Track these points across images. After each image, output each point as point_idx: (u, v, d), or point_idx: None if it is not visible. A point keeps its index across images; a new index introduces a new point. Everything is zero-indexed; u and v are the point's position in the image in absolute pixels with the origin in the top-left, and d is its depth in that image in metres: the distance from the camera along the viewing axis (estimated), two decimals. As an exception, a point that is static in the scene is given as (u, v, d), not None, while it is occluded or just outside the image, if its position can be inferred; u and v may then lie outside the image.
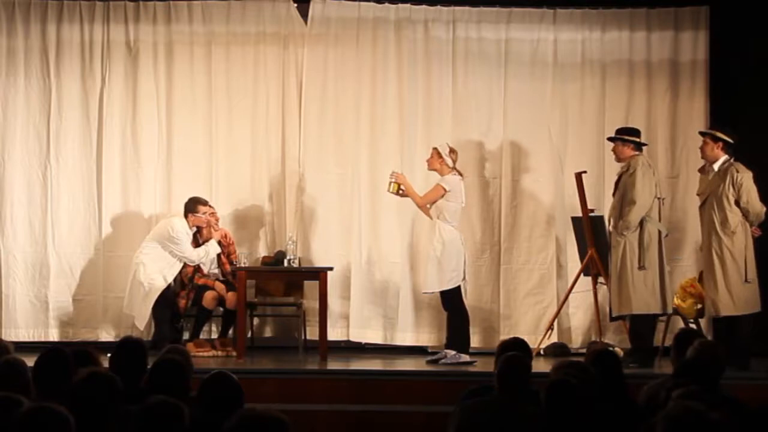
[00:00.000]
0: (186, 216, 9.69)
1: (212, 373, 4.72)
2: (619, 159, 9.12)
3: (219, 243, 9.77)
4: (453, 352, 9.13)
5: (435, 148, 9.35)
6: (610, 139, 9.29)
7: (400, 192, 9.36)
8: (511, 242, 10.22)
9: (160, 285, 9.55)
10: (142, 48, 10.18)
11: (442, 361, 9.14)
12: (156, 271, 9.59)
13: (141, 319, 9.59)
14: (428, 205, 9.32)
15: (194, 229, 9.75)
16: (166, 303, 9.58)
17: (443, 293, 9.23)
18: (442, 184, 9.22)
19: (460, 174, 9.33)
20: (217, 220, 9.79)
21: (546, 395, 4.66)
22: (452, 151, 9.31)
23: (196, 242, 9.75)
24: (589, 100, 10.32)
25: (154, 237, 9.69)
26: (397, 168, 9.92)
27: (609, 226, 9.18)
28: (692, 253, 9.95)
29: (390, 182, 9.36)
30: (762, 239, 9.03)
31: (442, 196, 9.18)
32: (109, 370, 4.74)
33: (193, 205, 9.69)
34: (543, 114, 10.29)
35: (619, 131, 9.25)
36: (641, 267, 8.88)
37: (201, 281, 9.68)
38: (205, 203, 9.73)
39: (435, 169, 9.36)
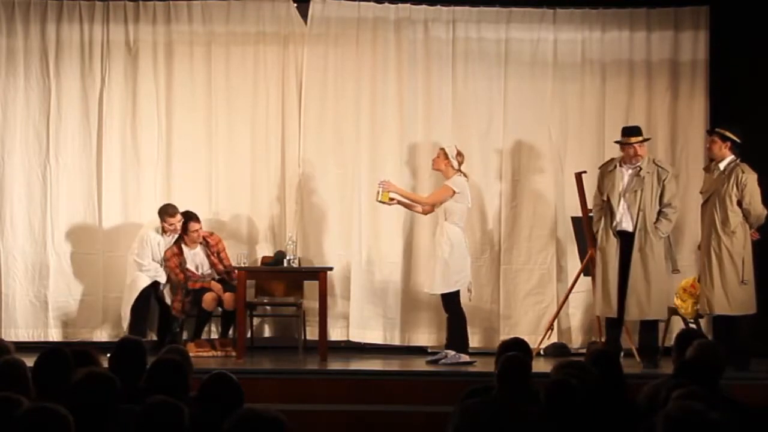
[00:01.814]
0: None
1: (212, 373, 4.72)
2: (636, 160, 9.01)
3: (206, 244, 9.74)
4: (453, 352, 9.13)
5: (442, 149, 9.36)
6: (631, 142, 9.01)
7: (390, 201, 9.36)
8: (511, 242, 10.22)
9: (141, 284, 9.60)
10: (142, 48, 10.18)
11: (442, 361, 9.14)
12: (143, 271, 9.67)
13: (125, 319, 9.65)
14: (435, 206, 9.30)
15: (173, 236, 9.71)
16: (144, 303, 9.62)
17: (445, 295, 9.22)
18: (451, 185, 9.21)
19: (465, 175, 9.34)
20: (198, 235, 9.68)
21: (546, 395, 4.65)
22: (459, 153, 9.32)
23: (179, 247, 9.72)
24: (589, 100, 10.32)
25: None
26: (396, 168, 9.98)
27: (627, 225, 8.94)
28: (692, 253, 9.94)
29: (378, 191, 9.35)
30: (760, 242, 9.01)
31: (451, 197, 9.18)
32: (108, 370, 4.74)
33: (162, 214, 9.66)
34: (543, 114, 10.29)
35: (633, 131, 9.09)
36: (675, 270, 8.96)
37: (197, 285, 9.66)
38: (173, 214, 9.63)
39: (439, 170, 9.37)
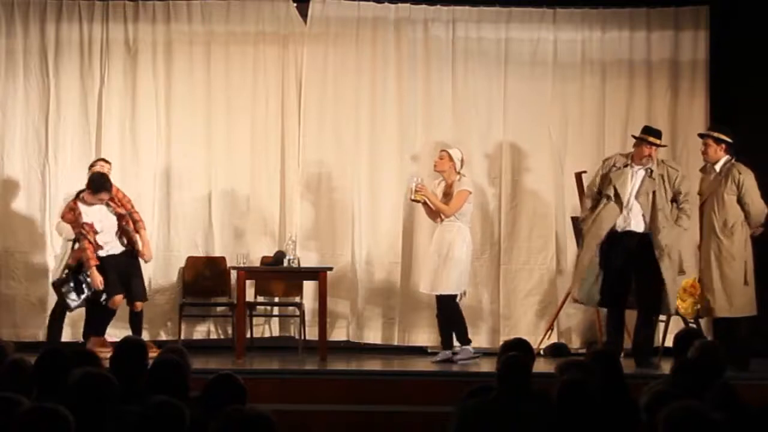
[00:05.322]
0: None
1: (218, 374, 4.73)
2: (646, 160, 8.89)
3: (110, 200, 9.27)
4: (467, 347, 9.16)
5: (445, 151, 9.32)
6: (650, 142, 8.83)
7: (421, 199, 9.32)
8: (511, 242, 10.21)
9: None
10: (141, 47, 10.17)
11: (458, 357, 9.14)
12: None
13: None
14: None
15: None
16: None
17: (450, 294, 9.20)
18: (465, 187, 9.23)
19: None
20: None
21: (559, 395, 4.65)
22: (463, 159, 9.32)
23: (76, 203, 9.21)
24: (589, 100, 10.32)
25: None
26: (396, 168, 9.99)
27: (638, 227, 8.79)
28: (692, 253, 9.93)
29: (412, 189, 9.29)
30: (759, 242, 8.98)
31: (467, 200, 9.20)
32: (109, 370, 4.73)
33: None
34: (543, 114, 10.29)
35: (656, 133, 8.93)
36: (681, 272, 8.99)
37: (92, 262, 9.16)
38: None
39: (442, 171, 9.34)
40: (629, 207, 8.84)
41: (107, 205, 9.23)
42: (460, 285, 9.22)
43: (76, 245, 9.21)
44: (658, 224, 8.77)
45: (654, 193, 8.79)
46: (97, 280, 9.08)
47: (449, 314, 9.24)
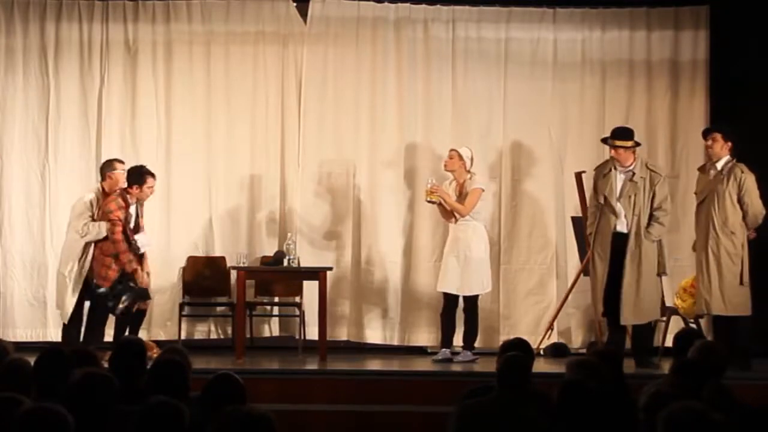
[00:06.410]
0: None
1: (217, 374, 4.73)
2: (624, 163, 8.96)
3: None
4: (467, 351, 9.23)
5: (455, 150, 9.33)
6: (616, 145, 8.92)
7: (436, 201, 9.31)
8: (511, 242, 10.22)
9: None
10: (141, 47, 10.17)
11: (459, 358, 9.19)
12: None
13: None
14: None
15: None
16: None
17: (474, 295, 9.26)
18: (479, 186, 9.27)
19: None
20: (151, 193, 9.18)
21: (559, 394, 4.65)
22: (472, 157, 9.34)
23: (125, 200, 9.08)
24: (589, 100, 10.33)
25: None
26: (396, 168, 9.97)
27: (622, 227, 8.84)
28: (691, 253, 9.93)
29: (427, 191, 9.29)
30: (759, 242, 8.99)
31: (480, 198, 9.22)
32: (108, 371, 4.74)
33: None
34: (543, 114, 10.30)
35: (622, 135, 9.00)
36: (664, 273, 8.95)
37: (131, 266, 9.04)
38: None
39: (453, 170, 9.34)
40: (616, 209, 8.86)
41: (137, 209, 9.16)
42: (485, 284, 9.31)
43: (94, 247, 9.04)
44: (633, 229, 8.81)
45: (635, 196, 8.81)
46: (146, 280, 9.07)
47: (468, 315, 9.29)
